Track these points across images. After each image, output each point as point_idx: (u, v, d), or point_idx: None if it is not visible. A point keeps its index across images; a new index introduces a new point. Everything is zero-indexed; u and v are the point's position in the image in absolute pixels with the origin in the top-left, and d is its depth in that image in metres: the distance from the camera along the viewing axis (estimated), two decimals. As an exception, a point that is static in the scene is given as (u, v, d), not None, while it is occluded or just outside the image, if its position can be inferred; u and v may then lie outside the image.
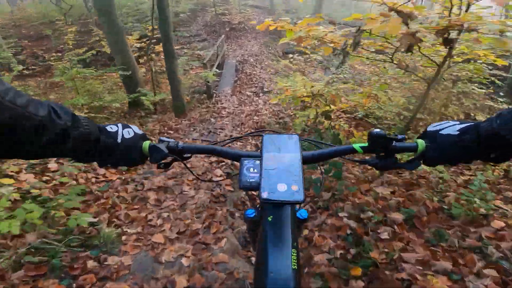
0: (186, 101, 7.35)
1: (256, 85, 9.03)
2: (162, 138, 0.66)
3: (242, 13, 15.15)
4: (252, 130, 5.08)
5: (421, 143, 0.62)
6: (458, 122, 0.60)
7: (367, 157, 0.68)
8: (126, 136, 0.61)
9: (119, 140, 0.60)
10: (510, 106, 0.58)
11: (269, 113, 5.93)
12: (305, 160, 0.65)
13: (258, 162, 0.62)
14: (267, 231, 0.55)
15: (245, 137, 4.12)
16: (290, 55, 9.03)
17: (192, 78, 8.82)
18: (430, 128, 0.63)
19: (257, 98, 8.04)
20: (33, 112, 0.45)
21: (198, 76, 8.02)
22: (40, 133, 0.46)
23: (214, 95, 8.01)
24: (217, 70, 9.49)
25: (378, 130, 0.61)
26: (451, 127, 0.59)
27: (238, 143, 4.21)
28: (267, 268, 0.48)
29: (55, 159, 2.73)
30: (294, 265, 0.49)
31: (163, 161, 0.64)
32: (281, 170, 0.57)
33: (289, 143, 0.64)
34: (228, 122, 5.65)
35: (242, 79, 9.53)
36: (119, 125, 0.63)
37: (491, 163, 0.77)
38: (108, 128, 0.61)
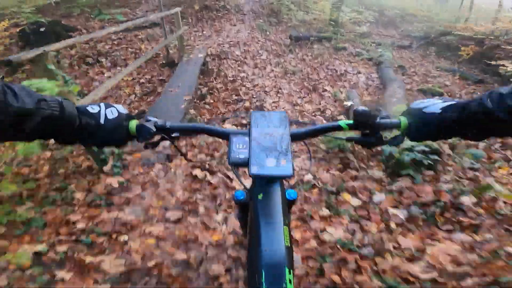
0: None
1: (246, 104, 4.00)
2: (148, 117, 0.64)
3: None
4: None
5: (403, 120, 0.63)
6: (441, 100, 0.60)
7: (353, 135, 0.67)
8: (110, 116, 0.59)
9: (101, 121, 0.58)
10: (502, 87, 0.54)
11: None
12: (293, 137, 0.64)
13: (247, 138, 0.61)
14: (258, 209, 0.54)
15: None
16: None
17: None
18: (413, 106, 0.63)
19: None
20: None
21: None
22: None
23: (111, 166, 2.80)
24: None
25: (363, 107, 0.61)
26: (434, 105, 0.60)
27: None
28: (261, 245, 0.47)
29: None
30: (287, 241, 0.48)
31: (150, 141, 0.63)
32: (269, 145, 0.56)
33: (277, 120, 0.63)
34: None
35: (216, 91, 4.47)
36: (102, 104, 0.60)
37: (470, 140, 0.73)
38: (89, 109, 0.58)
